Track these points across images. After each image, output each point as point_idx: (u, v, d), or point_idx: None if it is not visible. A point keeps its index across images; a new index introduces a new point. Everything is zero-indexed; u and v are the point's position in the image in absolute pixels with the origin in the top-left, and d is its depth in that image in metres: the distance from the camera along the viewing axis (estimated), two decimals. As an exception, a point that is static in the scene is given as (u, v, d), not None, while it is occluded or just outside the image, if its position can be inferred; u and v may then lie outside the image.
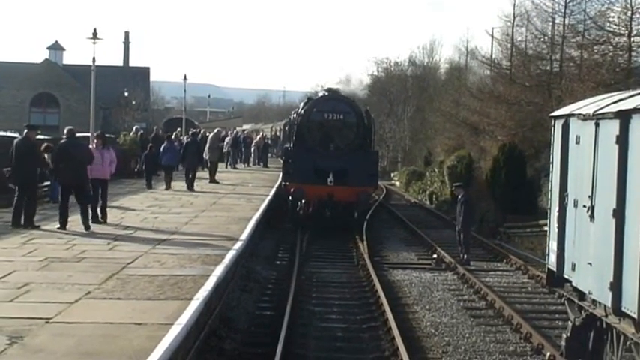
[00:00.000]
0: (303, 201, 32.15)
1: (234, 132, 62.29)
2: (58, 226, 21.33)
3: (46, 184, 27.09)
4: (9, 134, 38.28)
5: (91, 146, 23.97)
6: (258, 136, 63.98)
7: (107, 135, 39.58)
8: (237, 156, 55.47)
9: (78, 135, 23.47)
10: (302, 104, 35.82)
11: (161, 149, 36.71)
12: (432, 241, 29.48)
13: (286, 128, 41.29)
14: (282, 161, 35.66)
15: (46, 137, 30.73)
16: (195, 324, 12.41)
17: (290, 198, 32.26)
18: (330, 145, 32.28)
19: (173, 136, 44.41)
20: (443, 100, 58.02)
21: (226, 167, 50.04)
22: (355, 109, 33.35)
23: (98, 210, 23.00)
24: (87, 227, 21.45)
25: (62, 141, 22.21)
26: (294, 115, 36.12)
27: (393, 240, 31.51)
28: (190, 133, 43.05)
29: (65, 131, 22.48)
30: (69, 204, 21.63)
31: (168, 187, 35.59)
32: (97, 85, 50.05)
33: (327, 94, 35.02)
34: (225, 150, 51.49)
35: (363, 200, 31.79)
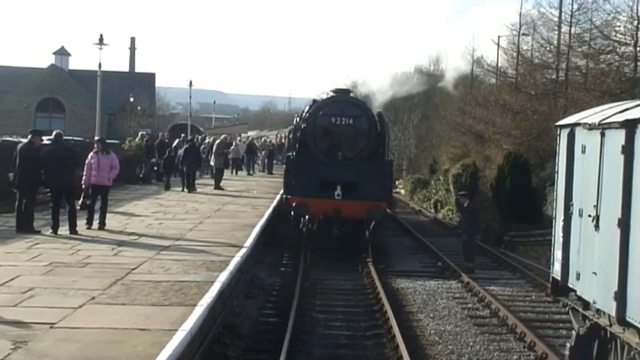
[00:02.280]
0: (306, 217, 27.72)
1: (249, 138, 63.11)
2: (51, 231, 21.41)
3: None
4: (9, 139, 38.44)
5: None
6: (263, 139, 64.25)
7: (112, 141, 40.28)
8: (253, 162, 56.18)
9: (87, 140, 23.49)
10: (307, 107, 31.58)
11: (181, 153, 38.68)
12: (437, 249, 29.47)
13: (290, 135, 35.54)
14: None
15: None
16: (199, 330, 12.42)
17: (292, 213, 28.20)
18: (337, 154, 28.67)
19: (176, 143, 45.27)
20: (448, 109, 58.04)
21: (231, 174, 50.18)
22: (367, 112, 29.51)
23: (96, 216, 22.98)
24: (72, 231, 21.51)
25: (49, 145, 22.16)
26: (298, 120, 31.63)
27: (397, 248, 31.41)
28: (189, 138, 44.06)
29: (52, 135, 22.48)
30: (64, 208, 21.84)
31: (184, 189, 37.46)
32: (103, 91, 50.29)
33: (334, 95, 30.57)
34: (234, 157, 52.20)
35: (376, 216, 27.42)
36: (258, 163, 59.87)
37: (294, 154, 29.99)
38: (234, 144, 54.64)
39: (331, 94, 31.11)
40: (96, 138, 25.69)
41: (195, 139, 45.63)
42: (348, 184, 27.76)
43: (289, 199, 28.40)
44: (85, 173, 23.05)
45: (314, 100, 31.62)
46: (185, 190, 37.30)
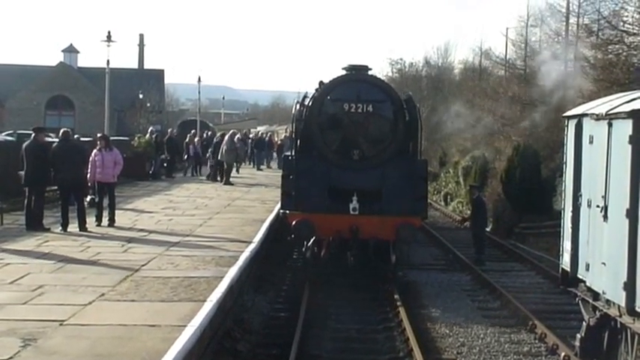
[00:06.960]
0: (312, 239, 20.91)
1: (259, 133, 63.62)
2: (60, 228, 21.47)
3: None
4: (8, 138, 38.86)
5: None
6: (282, 137, 64.79)
7: (122, 137, 40.66)
8: (262, 157, 56.53)
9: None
10: (314, 91, 22.73)
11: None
12: (447, 242, 29.41)
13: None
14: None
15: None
16: (209, 325, 12.43)
17: (292, 235, 21.08)
18: (353, 152, 21.41)
19: (187, 139, 45.65)
20: (457, 101, 57.98)
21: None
22: (392, 95, 21.92)
23: (105, 213, 23.03)
24: (81, 228, 21.57)
25: (57, 143, 22.27)
26: (298, 107, 22.74)
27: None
28: (219, 134, 45.35)
29: (60, 133, 22.62)
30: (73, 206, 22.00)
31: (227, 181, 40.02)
32: (112, 88, 50.44)
33: (347, 73, 22.33)
34: (244, 151, 52.74)
35: (406, 237, 20.54)
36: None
37: (293, 153, 22.56)
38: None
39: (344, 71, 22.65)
40: (98, 135, 25.64)
41: (222, 135, 46.66)
42: (367, 194, 20.89)
43: (288, 216, 21.18)
44: (89, 171, 23.07)
45: (321, 82, 22.84)
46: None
